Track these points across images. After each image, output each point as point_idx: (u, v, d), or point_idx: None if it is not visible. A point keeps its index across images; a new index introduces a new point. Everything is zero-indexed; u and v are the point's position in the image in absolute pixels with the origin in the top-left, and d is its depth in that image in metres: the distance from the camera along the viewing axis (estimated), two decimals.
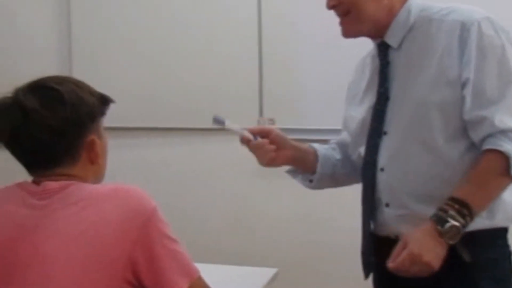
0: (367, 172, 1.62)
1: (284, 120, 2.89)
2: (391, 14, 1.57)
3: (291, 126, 2.58)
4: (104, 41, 3.22)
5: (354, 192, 1.72)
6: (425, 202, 1.51)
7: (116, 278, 1.18)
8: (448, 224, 1.40)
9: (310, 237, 3.03)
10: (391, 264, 1.44)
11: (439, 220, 1.41)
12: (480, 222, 1.46)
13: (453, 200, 1.42)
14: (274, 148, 1.68)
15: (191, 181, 3.19)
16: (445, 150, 1.50)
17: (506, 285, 1.56)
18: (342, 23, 1.59)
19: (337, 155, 1.80)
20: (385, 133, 1.58)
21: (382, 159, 1.58)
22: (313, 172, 1.76)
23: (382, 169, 1.58)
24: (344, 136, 1.79)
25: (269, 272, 1.96)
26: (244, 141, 1.67)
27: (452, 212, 1.41)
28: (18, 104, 1.24)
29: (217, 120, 1.67)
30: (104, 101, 1.35)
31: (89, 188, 1.27)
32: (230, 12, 3.05)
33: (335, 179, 1.80)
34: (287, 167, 1.81)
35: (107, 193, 1.24)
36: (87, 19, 3.24)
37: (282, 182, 2.75)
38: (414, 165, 1.53)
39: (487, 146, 1.44)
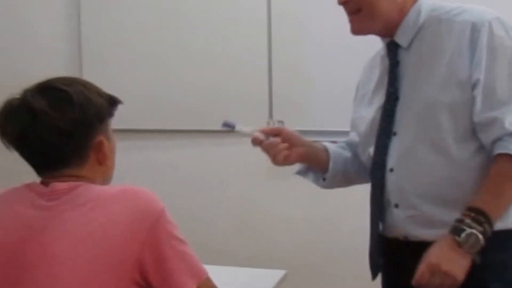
0: (376, 173, 1.61)
1: (294, 122, 2.86)
2: (402, 13, 1.56)
3: (300, 128, 2.54)
4: (114, 43, 3.23)
5: (362, 193, 1.72)
6: (435, 203, 1.51)
7: (124, 279, 1.18)
8: (464, 233, 1.40)
9: (318, 238, 3.02)
10: (414, 281, 1.44)
11: (456, 230, 1.41)
12: None
13: (469, 209, 1.42)
14: (287, 146, 1.67)
15: (199, 183, 3.19)
16: (455, 151, 1.49)
17: None
18: (352, 20, 1.58)
19: (347, 153, 1.79)
20: (394, 133, 1.57)
21: (392, 160, 1.57)
22: (325, 169, 1.74)
23: (391, 170, 1.57)
24: (353, 136, 1.78)
25: (278, 274, 1.95)
26: (256, 142, 1.65)
27: (468, 221, 1.40)
28: (27, 106, 1.25)
29: (227, 125, 1.65)
30: (112, 102, 1.35)
31: (98, 189, 1.27)
32: (240, 14, 3.05)
33: (346, 177, 1.78)
34: (295, 169, 1.80)
35: (115, 194, 1.24)
36: (96, 21, 3.25)
37: (289, 184, 2.76)
38: (423, 166, 1.52)
39: (498, 150, 1.43)
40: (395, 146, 1.57)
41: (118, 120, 1.42)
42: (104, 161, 1.33)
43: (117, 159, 1.39)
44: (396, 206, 1.57)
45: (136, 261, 1.19)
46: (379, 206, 1.60)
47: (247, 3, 3.03)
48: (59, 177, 1.28)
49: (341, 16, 1.60)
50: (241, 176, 3.12)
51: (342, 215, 2.93)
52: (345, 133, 1.86)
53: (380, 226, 1.62)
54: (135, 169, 3.07)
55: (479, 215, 1.40)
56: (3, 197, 1.32)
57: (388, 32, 1.58)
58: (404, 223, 1.56)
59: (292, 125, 2.45)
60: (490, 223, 1.40)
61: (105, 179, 1.36)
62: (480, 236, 1.39)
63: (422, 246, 1.53)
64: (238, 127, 1.66)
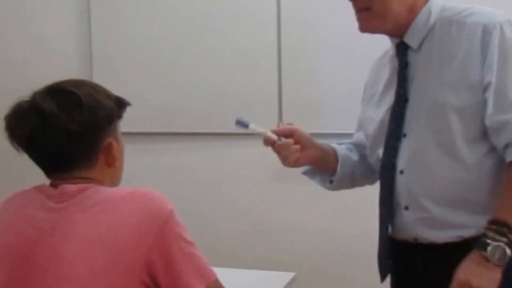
0: (385, 175, 1.60)
1: (304, 124, 2.83)
2: (413, 13, 1.55)
3: (310, 131, 2.55)
4: (124, 46, 3.24)
5: (370, 196, 1.71)
6: (446, 205, 1.50)
7: (133, 281, 1.18)
8: (490, 247, 1.39)
9: (327, 241, 3.01)
10: None
11: (481, 245, 1.41)
12: None
13: (491, 222, 1.42)
14: (299, 148, 1.66)
15: (208, 185, 3.19)
16: (465, 153, 1.48)
17: None
18: (361, 18, 1.55)
19: (355, 156, 1.78)
20: (404, 135, 1.56)
21: (402, 162, 1.56)
22: (333, 172, 1.74)
23: (401, 172, 1.56)
24: (360, 136, 1.78)
25: (287, 276, 1.95)
26: (269, 142, 1.64)
27: (491, 234, 1.40)
28: (36, 108, 1.25)
29: (240, 123, 1.64)
30: (121, 104, 1.36)
31: (107, 191, 1.27)
32: (249, 17, 3.05)
33: (352, 180, 1.78)
34: (303, 171, 1.80)
35: (124, 196, 1.25)
36: (107, 24, 3.27)
37: (298, 187, 2.76)
38: (434, 168, 1.51)
39: (511, 157, 1.43)
40: (405, 148, 1.56)
41: (127, 123, 1.42)
42: (113, 163, 1.33)
43: (127, 163, 1.39)
44: (406, 208, 1.56)
45: (145, 263, 1.19)
46: (389, 208, 1.59)
47: (256, 7, 3.03)
48: (68, 179, 1.28)
49: (351, 18, 1.58)
50: (250, 179, 3.12)
51: (351, 217, 2.92)
52: None
53: (389, 228, 1.62)
54: (145, 172, 3.08)
55: (501, 227, 1.40)
56: (13, 199, 1.33)
57: (397, 32, 1.57)
58: (414, 225, 1.55)
59: (302, 128, 2.44)
60: None
61: (114, 181, 1.37)
62: (506, 247, 1.39)
63: (431, 249, 1.53)
64: (251, 126, 1.64)
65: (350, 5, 1.57)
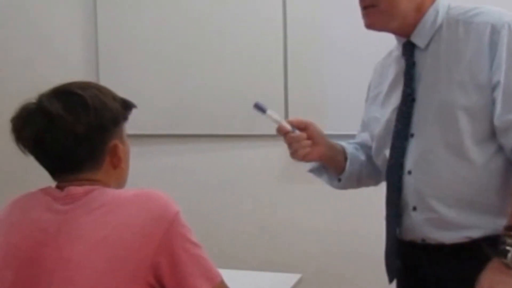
0: (393, 175, 1.59)
1: None
2: (420, 13, 1.54)
3: None
4: (130, 48, 3.25)
5: (377, 196, 1.70)
6: (454, 205, 1.49)
7: (139, 282, 1.18)
8: (510, 253, 1.39)
9: (333, 243, 3.01)
10: None
11: (501, 253, 1.40)
12: None
13: (507, 228, 1.41)
14: (310, 144, 1.65)
15: (214, 187, 3.19)
16: (473, 154, 1.47)
17: None
18: (367, 15, 1.54)
19: (362, 156, 1.77)
20: (411, 135, 1.55)
21: (409, 162, 1.55)
22: (341, 171, 1.73)
23: (409, 172, 1.55)
24: (365, 137, 1.77)
25: (293, 278, 1.95)
26: (282, 131, 1.64)
27: (510, 240, 1.40)
28: (42, 110, 1.25)
29: (258, 107, 1.63)
30: (127, 106, 1.36)
31: (112, 193, 1.27)
32: (255, 19, 3.05)
33: (359, 179, 1.77)
34: (309, 172, 1.79)
35: (130, 198, 1.25)
36: (113, 26, 3.28)
37: (305, 189, 2.76)
38: (442, 168, 1.50)
39: None
40: (413, 148, 1.55)
41: (133, 125, 1.42)
42: (118, 165, 1.33)
43: (132, 164, 1.39)
44: (414, 208, 1.55)
45: (150, 265, 1.19)
46: (396, 209, 1.58)
47: (262, 8, 3.03)
48: (74, 181, 1.28)
49: (357, 19, 1.57)
50: (255, 180, 3.11)
51: (357, 219, 2.91)
52: None
53: (397, 229, 1.61)
54: (150, 174, 3.09)
55: None
56: (19, 201, 1.33)
57: (404, 32, 1.56)
58: (422, 226, 1.54)
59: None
60: None
61: (120, 183, 1.37)
62: None
63: (439, 249, 1.53)
64: (269, 112, 1.64)
65: (356, 6, 1.56)
